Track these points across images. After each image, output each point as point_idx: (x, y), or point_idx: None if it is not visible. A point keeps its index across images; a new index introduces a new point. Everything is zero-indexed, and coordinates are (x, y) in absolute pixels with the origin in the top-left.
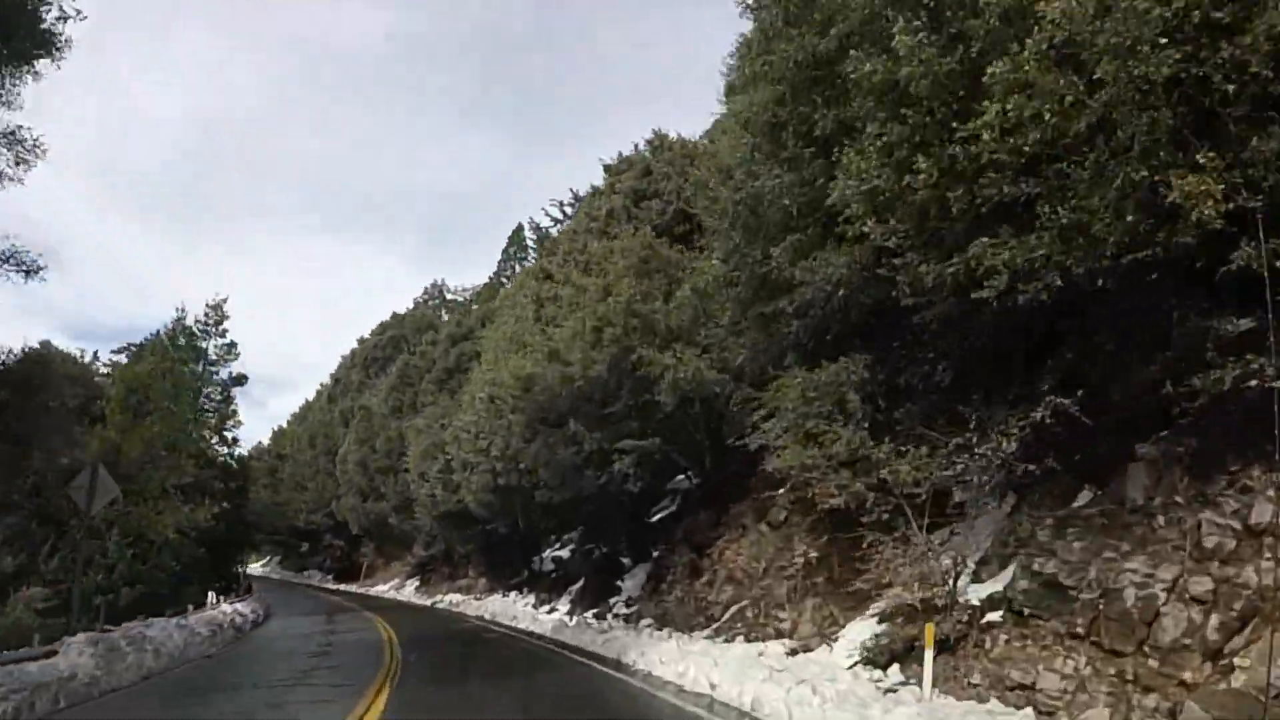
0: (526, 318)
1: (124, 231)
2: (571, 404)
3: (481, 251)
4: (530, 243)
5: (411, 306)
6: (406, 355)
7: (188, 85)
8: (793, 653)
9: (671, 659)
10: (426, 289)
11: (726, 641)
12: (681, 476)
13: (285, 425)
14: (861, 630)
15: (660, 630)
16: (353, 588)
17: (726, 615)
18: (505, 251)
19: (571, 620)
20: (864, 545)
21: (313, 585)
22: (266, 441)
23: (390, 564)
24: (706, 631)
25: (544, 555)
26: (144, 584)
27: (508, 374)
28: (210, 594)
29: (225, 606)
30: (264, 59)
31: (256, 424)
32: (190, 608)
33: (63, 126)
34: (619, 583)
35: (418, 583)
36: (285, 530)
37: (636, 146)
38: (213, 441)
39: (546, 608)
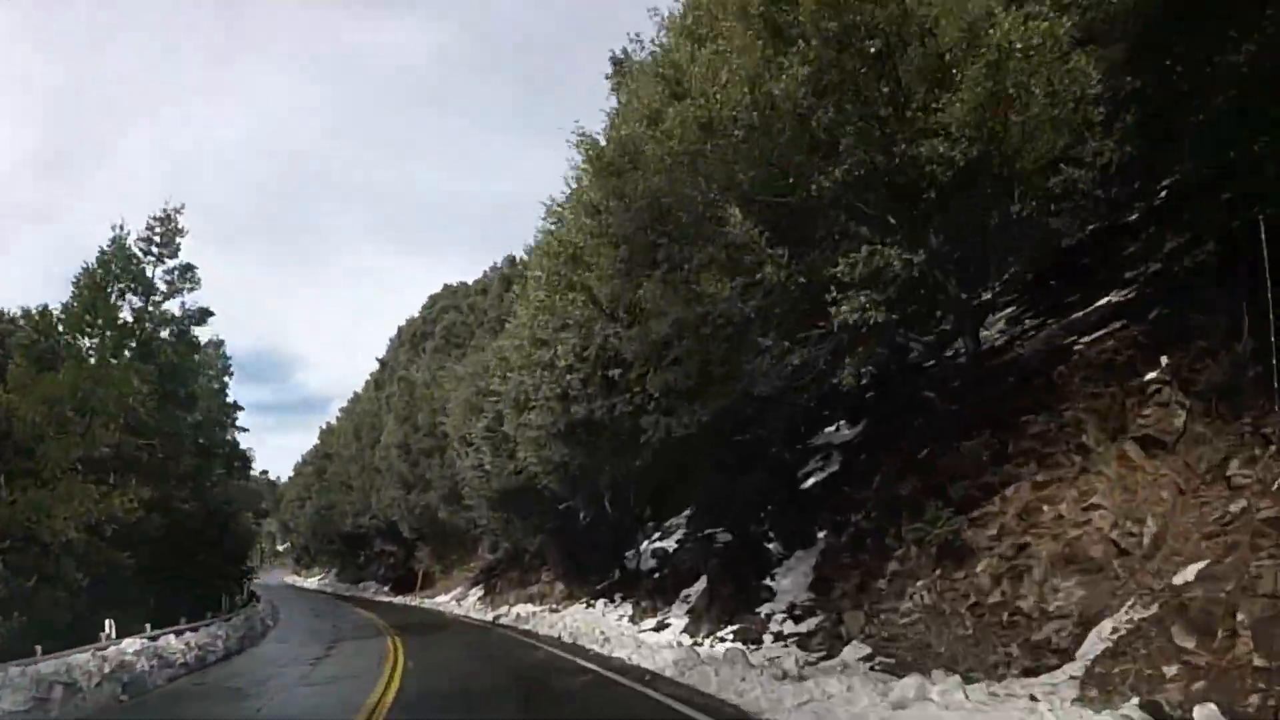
0: None
1: (205, 260)
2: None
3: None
4: None
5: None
6: (455, 314)
7: (251, 112)
8: None
9: None
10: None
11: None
12: (834, 429)
13: (335, 422)
14: None
15: (906, 675)
16: (409, 600)
17: (1088, 644)
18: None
19: (703, 645)
20: None
21: (361, 599)
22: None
23: (451, 571)
24: (1042, 681)
25: (641, 549)
26: (30, 609)
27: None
28: (108, 624)
29: (134, 644)
30: (320, 82)
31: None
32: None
33: (146, 163)
34: (768, 582)
35: (481, 592)
36: (335, 538)
37: None
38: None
39: (652, 622)
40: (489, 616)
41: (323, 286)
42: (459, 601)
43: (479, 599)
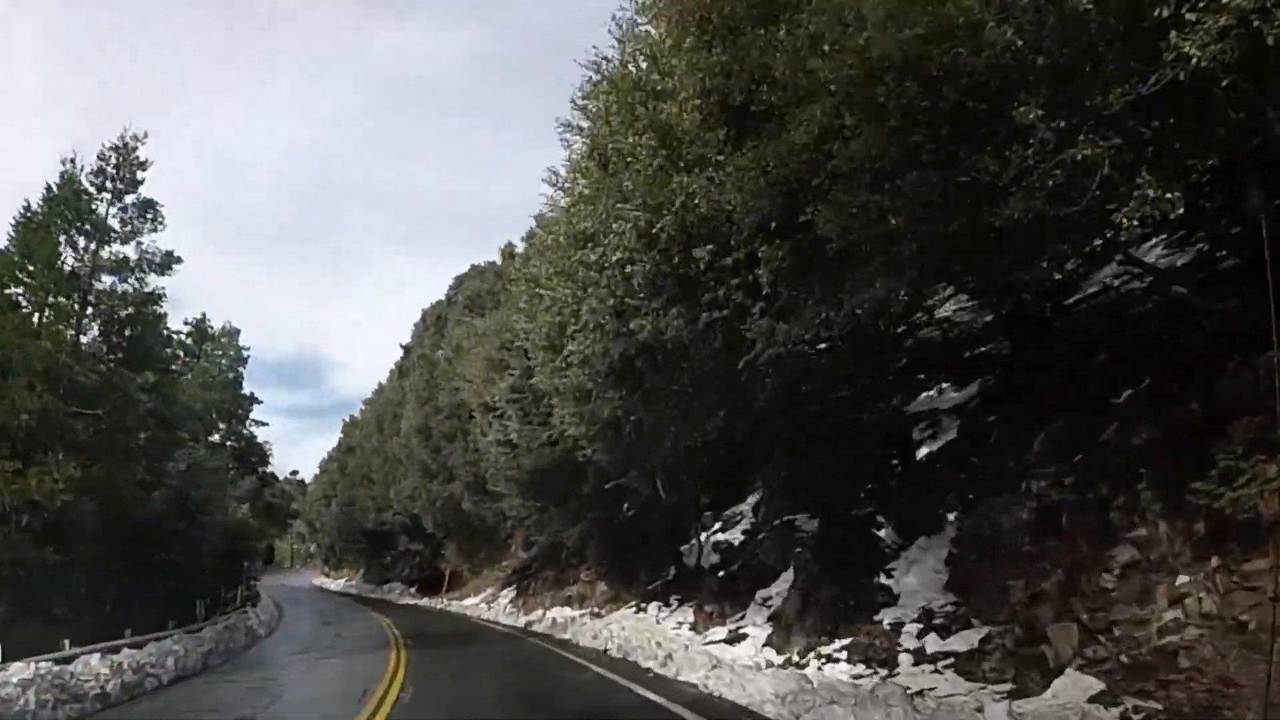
0: None
1: (231, 267)
2: None
3: None
4: None
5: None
6: (478, 282)
7: (281, 123)
8: None
9: None
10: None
11: None
12: (933, 392)
13: (358, 414)
14: None
15: None
16: (434, 603)
17: None
18: None
19: (805, 665)
20: None
21: (383, 602)
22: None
23: (480, 571)
24: None
25: (701, 540)
26: None
27: None
28: None
29: (22, 672)
30: (349, 91)
31: None
32: None
33: (179, 179)
34: (884, 580)
35: (513, 594)
36: (359, 536)
37: None
38: (103, 356)
39: (721, 632)
40: (521, 622)
41: (356, 291)
42: (488, 605)
43: (510, 602)
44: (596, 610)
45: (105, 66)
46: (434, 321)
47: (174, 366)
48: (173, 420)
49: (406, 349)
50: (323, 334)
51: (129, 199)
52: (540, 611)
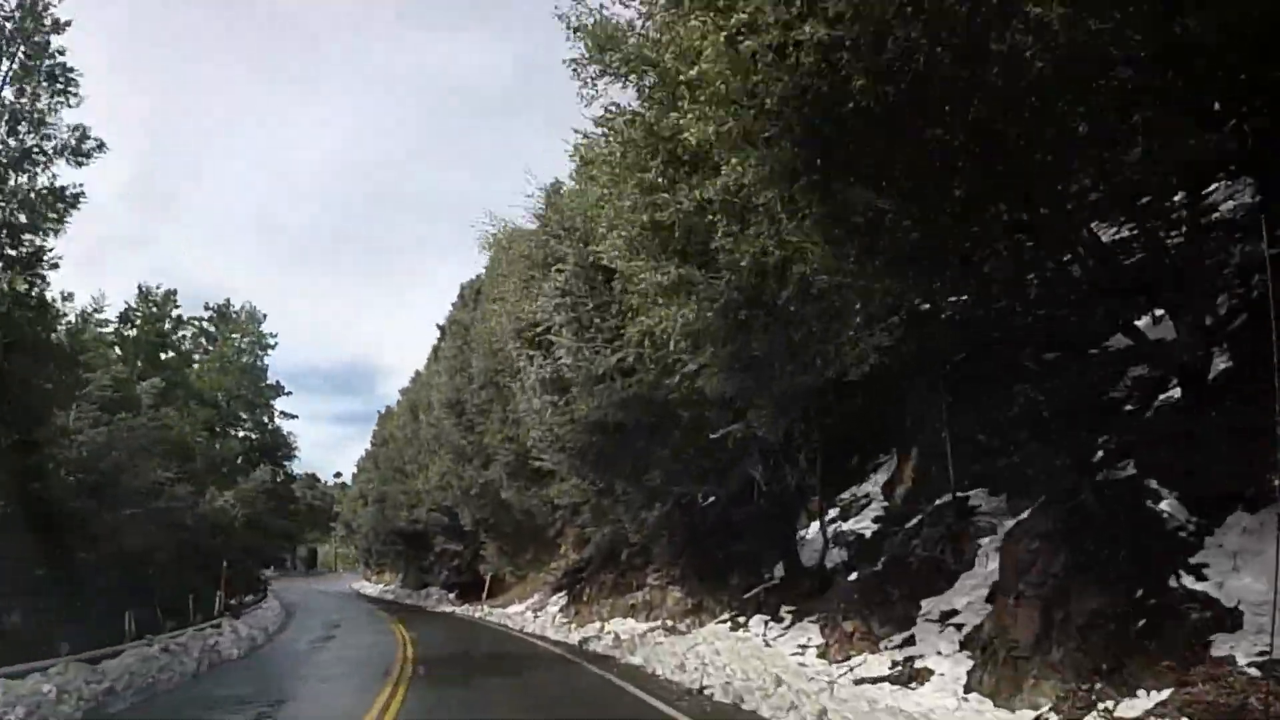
0: None
1: (288, 278)
2: None
3: None
4: None
5: None
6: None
7: (334, 137)
8: None
9: None
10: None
11: None
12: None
13: (395, 405)
14: None
15: None
16: (473, 611)
17: None
18: None
19: None
20: None
21: (416, 609)
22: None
23: (527, 575)
24: None
25: (821, 529)
26: None
27: None
28: None
29: None
30: (399, 103)
31: None
32: None
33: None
34: (1188, 581)
35: (564, 600)
36: (393, 536)
37: None
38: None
39: (878, 663)
40: (573, 638)
41: (408, 298)
42: (534, 614)
43: (561, 611)
44: (672, 623)
45: (164, 88)
46: (472, 296)
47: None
48: (72, 354)
49: (442, 329)
50: (374, 342)
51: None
52: (598, 624)
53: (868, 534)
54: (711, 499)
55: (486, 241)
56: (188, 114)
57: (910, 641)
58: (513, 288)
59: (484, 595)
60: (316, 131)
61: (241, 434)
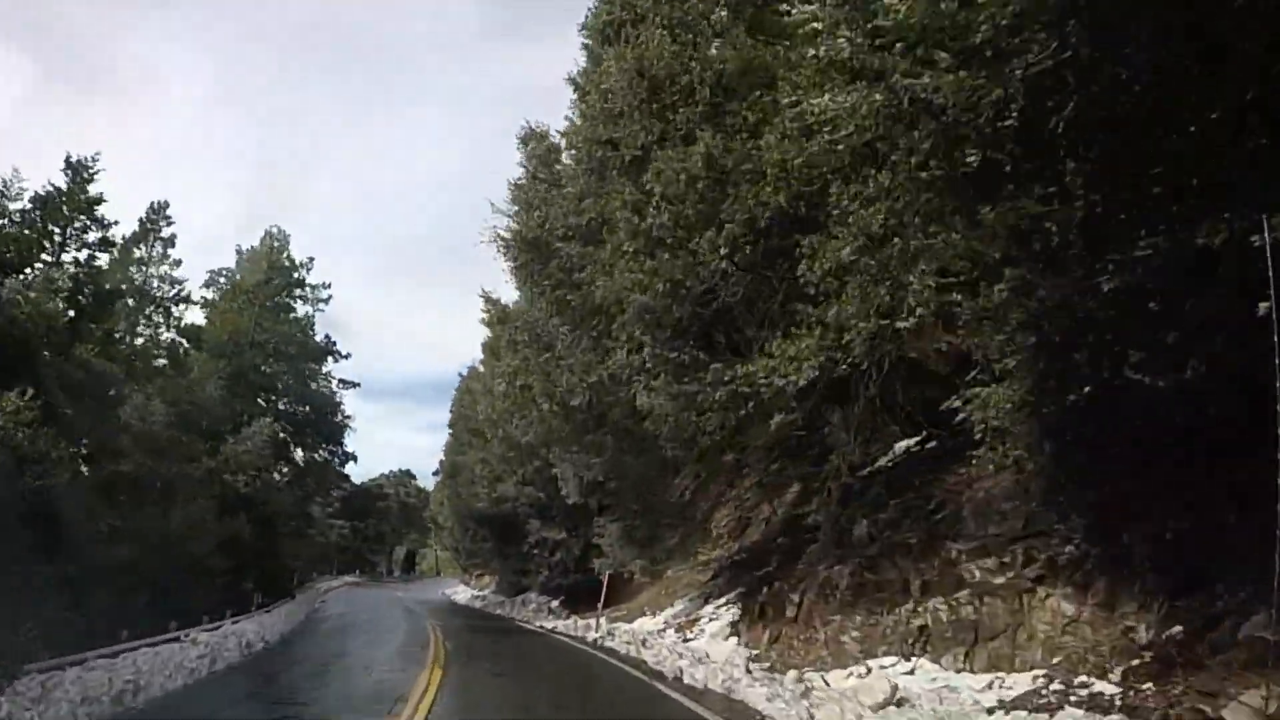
0: None
1: (388, 294)
2: None
3: None
4: None
5: None
6: None
7: (428, 155)
8: None
9: None
10: None
11: None
12: None
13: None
14: None
15: None
16: (587, 629)
17: None
18: None
19: None
20: None
21: (503, 625)
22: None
23: (666, 572)
24: None
25: None
26: None
27: None
28: None
29: None
30: (488, 118)
31: None
32: None
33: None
34: None
35: (734, 615)
36: (473, 525)
37: None
38: None
39: None
40: (799, 711)
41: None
42: (683, 635)
43: (735, 634)
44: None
45: (269, 120)
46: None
47: None
48: None
49: None
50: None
51: None
52: (860, 674)
53: None
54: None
55: None
56: (296, 139)
57: None
58: None
59: (600, 603)
60: (412, 153)
61: (274, 398)
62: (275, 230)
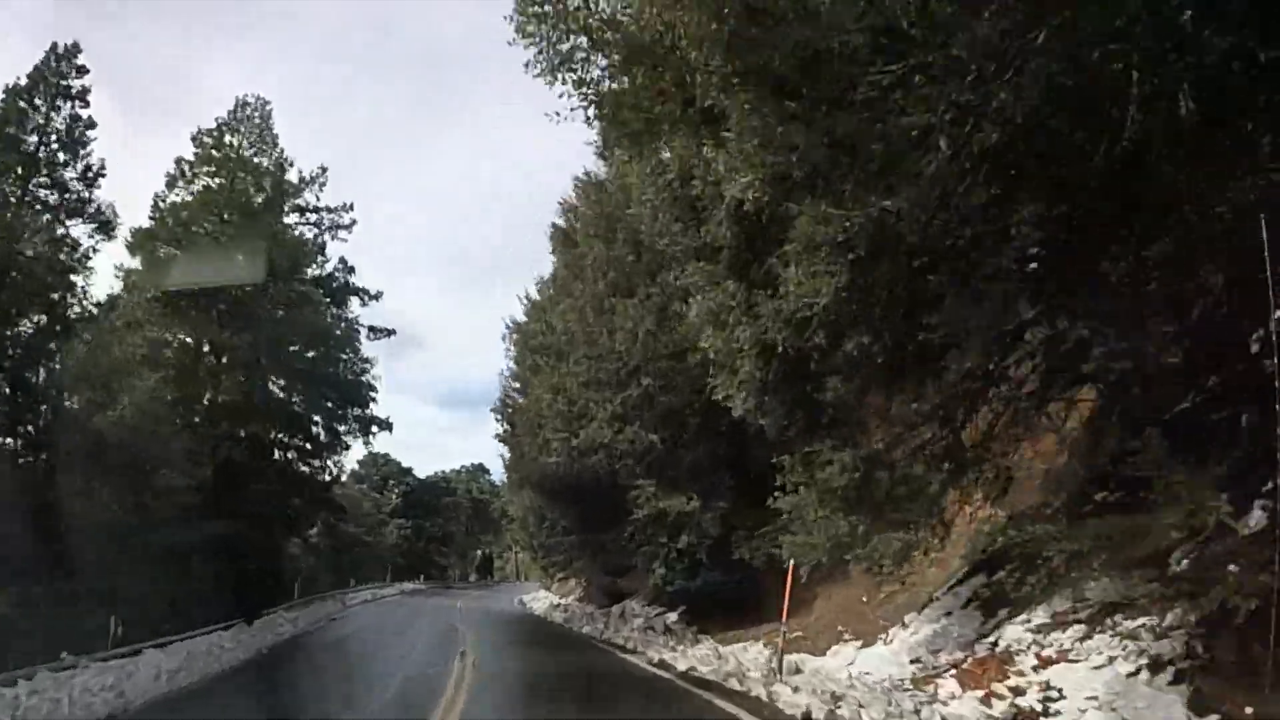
0: None
1: (448, 299)
2: None
3: None
4: None
5: None
6: None
7: (486, 162)
8: None
9: None
10: None
11: None
12: None
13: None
14: None
15: None
16: (742, 669)
17: None
18: None
19: None
20: None
21: (573, 660)
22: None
23: (849, 567)
24: None
25: None
26: None
27: None
28: None
29: None
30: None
31: None
32: None
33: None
34: None
35: (1145, 652)
36: (543, 497)
37: None
38: None
39: None
40: None
41: None
42: (975, 689)
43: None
44: None
45: (328, 132)
46: None
47: None
48: None
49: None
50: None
51: None
52: None
53: None
54: None
55: None
56: (354, 150)
57: None
58: None
59: (784, 613)
60: (471, 160)
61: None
62: (253, 100)
